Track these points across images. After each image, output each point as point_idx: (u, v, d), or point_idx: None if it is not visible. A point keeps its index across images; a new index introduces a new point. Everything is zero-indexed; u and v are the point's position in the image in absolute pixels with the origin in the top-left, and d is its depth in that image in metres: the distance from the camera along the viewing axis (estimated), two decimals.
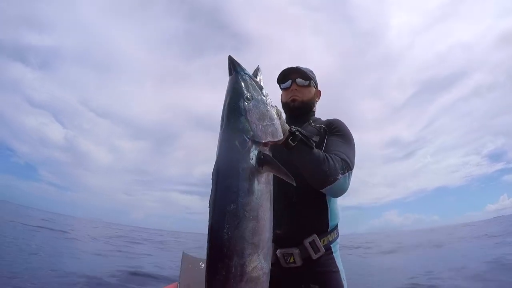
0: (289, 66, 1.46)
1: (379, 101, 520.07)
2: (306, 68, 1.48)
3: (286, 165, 0.95)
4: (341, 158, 1.13)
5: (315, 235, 1.21)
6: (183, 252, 2.55)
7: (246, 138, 0.92)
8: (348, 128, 1.34)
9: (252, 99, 0.98)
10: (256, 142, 0.93)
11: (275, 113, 1.01)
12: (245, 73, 1.02)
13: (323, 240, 1.22)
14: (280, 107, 1.34)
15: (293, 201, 1.21)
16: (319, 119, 1.49)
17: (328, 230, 1.26)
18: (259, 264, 0.85)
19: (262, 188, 0.90)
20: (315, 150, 1.08)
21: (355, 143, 1.29)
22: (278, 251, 1.20)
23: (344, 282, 1.22)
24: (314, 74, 1.50)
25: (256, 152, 0.92)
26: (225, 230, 0.84)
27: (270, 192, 0.94)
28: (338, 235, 1.30)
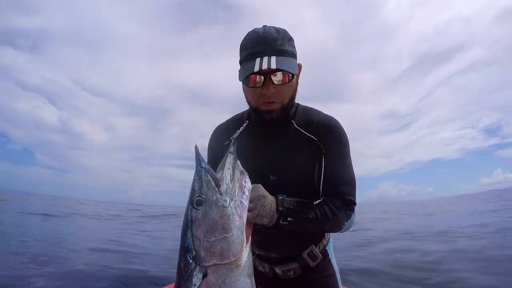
0: (257, 39, 0.95)
1: (375, 73, 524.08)
2: (282, 39, 0.95)
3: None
4: (343, 201, 1.02)
5: (313, 245, 1.16)
6: None
7: (189, 259, 0.76)
8: (345, 132, 1.10)
9: (204, 203, 0.77)
10: (199, 265, 0.75)
11: (236, 217, 0.76)
12: (201, 167, 0.81)
13: (319, 246, 1.18)
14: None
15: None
16: (304, 113, 1.13)
17: (322, 236, 1.22)
18: None
19: None
20: (313, 215, 0.95)
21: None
22: (277, 268, 1.15)
23: (339, 282, 1.23)
24: (292, 43, 1.00)
25: (200, 276, 0.75)
26: None
27: None
28: (330, 235, 1.25)
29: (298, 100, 1.11)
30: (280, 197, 0.91)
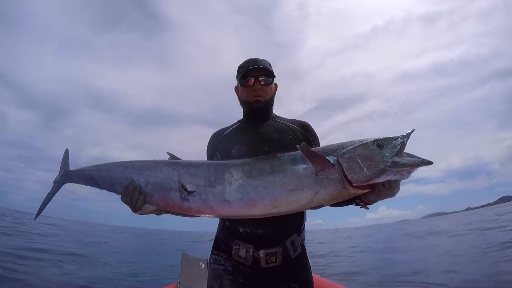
0: (250, 60, 1.38)
1: (279, 110, 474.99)
2: (266, 62, 1.40)
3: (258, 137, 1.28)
4: None
5: (295, 234, 1.27)
6: (183, 252, 2.63)
7: (330, 159, 1.06)
8: None
9: (378, 147, 1.03)
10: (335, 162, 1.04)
11: (384, 171, 0.97)
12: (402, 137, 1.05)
13: (299, 239, 1.29)
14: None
15: None
16: (279, 116, 1.48)
17: (302, 228, 1.33)
18: None
19: None
20: None
21: None
22: (261, 252, 1.21)
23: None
24: (271, 66, 1.42)
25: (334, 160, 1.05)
26: None
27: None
28: (306, 232, 1.38)
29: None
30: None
